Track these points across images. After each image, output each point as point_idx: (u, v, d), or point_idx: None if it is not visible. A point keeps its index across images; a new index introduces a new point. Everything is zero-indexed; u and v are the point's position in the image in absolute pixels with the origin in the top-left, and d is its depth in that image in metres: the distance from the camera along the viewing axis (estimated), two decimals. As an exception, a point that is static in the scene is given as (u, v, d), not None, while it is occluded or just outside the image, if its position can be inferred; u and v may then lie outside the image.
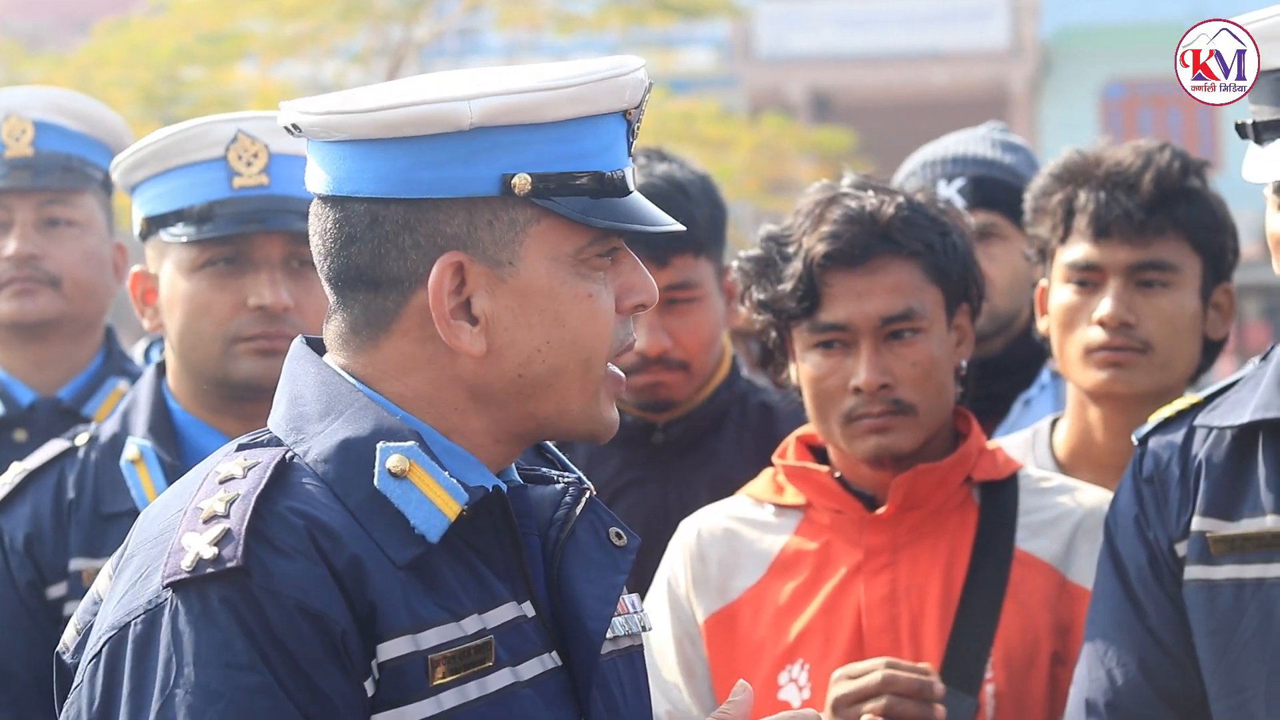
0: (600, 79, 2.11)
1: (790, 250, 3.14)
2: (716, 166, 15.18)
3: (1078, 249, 3.38)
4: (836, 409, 3.11)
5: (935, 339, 3.11)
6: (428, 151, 2.09)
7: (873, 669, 2.93)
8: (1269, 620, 2.81)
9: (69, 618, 2.48)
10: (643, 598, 3.15)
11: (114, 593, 2.07)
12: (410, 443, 2.08)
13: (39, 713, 3.14)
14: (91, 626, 2.10)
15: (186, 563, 1.99)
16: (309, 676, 1.97)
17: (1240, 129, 2.80)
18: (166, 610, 1.99)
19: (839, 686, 2.95)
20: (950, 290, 3.14)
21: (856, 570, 3.14)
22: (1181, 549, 2.89)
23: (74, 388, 4.04)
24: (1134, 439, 3.01)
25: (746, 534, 3.22)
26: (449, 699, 2.03)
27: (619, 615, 2.20)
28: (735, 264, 3.27)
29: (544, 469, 2.25)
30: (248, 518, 2.00)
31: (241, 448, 2.12)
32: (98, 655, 2.03)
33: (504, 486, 2.13)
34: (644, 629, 2.26)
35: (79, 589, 3.21)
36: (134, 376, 4.04)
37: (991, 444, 3.29)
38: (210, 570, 1.98)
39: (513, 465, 2.21)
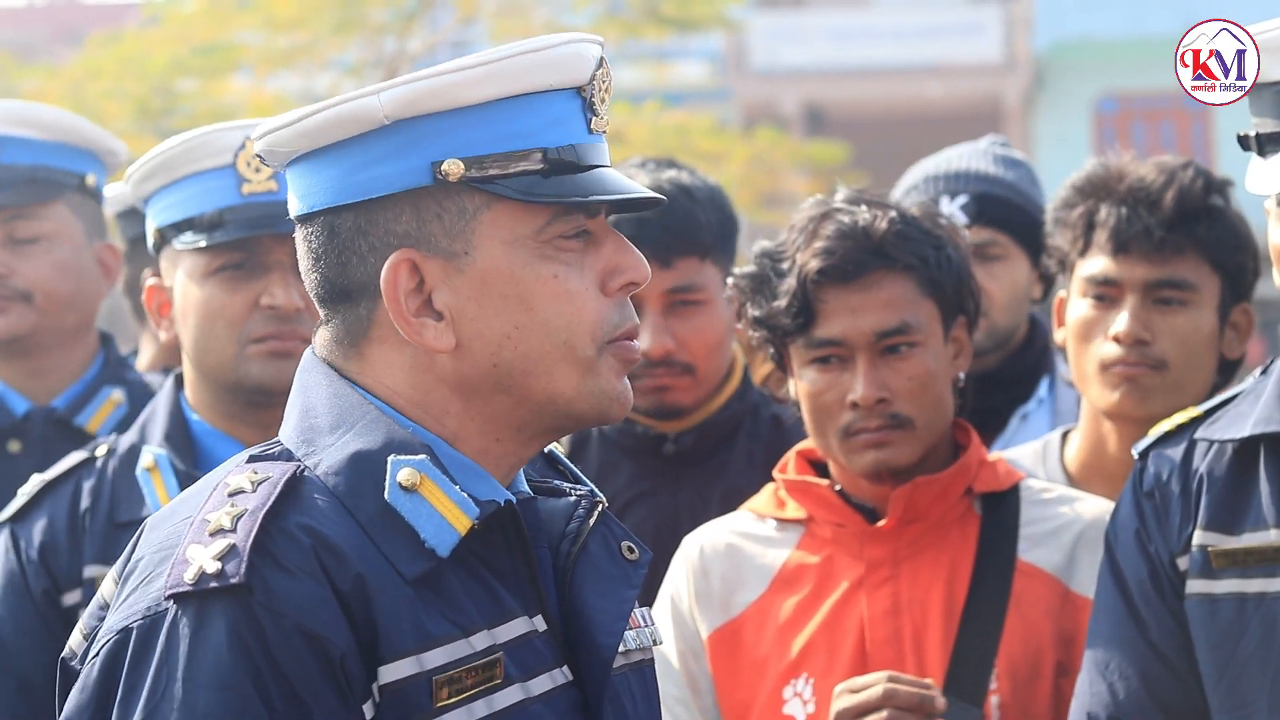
0: (517, 55, 2.08)
1: (784, 266, 3.14)
2: (710, 179, 15.12)
3: (1096, 263, 3.37)
4: (834, 424, 3.11)
5: (931, 352, 3.11)
6: (359, 153, 2.09)
7: (874, 683, 2.93)
8: (1271, 634, 2.80)
9: (84, 625, 2.48)
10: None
11: (118, 598, 2.08)
12: (422, 456, 2.07)
13: None
14: (98, 632, 2.09)
15: (189, 575, 1.99)
16: (301, 699, 1.96)
17: (1243, 141, 2.80)
18: (166, 620, 1.98)
19: (841, 701, 2.95)
20: (945, 303, 3.14)
21: (859, 583, 3.14)
22: (1183, 563, 2.89)
23: (68, 396, 4.02)
24: (1134, 453, 3.01)
25: (749, 549, 3.22)
26: (455, 719, 2.02)
27: (630, 629, 2.19)
28: (730, 280, 3.26)
29: (556, 481, 2.24)
30: (254, 534, 1.99)
31: (252, 459, 2.12)
32: (97, 656, 2.03)
33: (514, 500, 2.12)
34: (655, 643, 2.25)
35: (93, 597, 3.22)
36: (131, 384, 4.04)
37: (992, 456, 3.29)
38: (213, 585, 1.97)
39: (522, 476, 2.20)
